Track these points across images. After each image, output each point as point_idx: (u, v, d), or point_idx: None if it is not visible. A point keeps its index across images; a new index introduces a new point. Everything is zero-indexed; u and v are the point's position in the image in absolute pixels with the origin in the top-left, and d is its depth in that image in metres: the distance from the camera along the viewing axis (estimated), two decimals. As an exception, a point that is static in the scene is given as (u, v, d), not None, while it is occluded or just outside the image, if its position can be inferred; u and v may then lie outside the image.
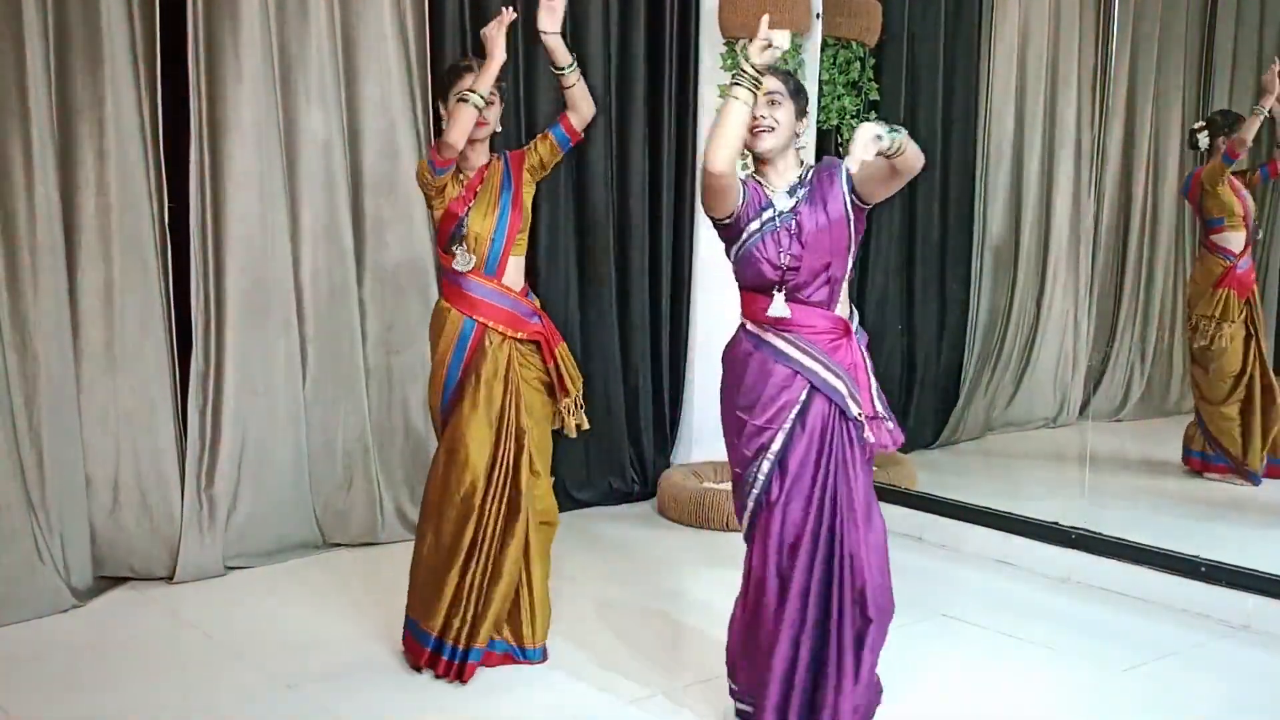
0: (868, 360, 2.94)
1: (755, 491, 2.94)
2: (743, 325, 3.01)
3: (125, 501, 4.11)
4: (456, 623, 3.37)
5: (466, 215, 3.44)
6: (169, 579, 4.13)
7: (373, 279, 4.64)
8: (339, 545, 4.58)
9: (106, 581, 4.08)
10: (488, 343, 3.42)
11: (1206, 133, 5.08)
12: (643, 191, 5.34)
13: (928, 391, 5.86)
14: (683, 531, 4.99)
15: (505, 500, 3.41)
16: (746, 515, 3.01)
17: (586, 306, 5.19)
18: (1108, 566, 4.27)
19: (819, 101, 5.16)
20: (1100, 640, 3.80)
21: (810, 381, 2.88)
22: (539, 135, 3.50)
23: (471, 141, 3.40)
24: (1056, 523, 4.47)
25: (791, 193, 2.96)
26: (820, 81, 5.17)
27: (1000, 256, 5.92)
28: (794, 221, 2.92)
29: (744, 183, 2.96)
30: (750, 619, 3.03)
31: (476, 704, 3.27)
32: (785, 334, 2.92)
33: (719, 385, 3.05)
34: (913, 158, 2.79)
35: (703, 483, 5.30)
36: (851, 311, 3.02)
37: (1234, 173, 5.05)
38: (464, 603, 3.37)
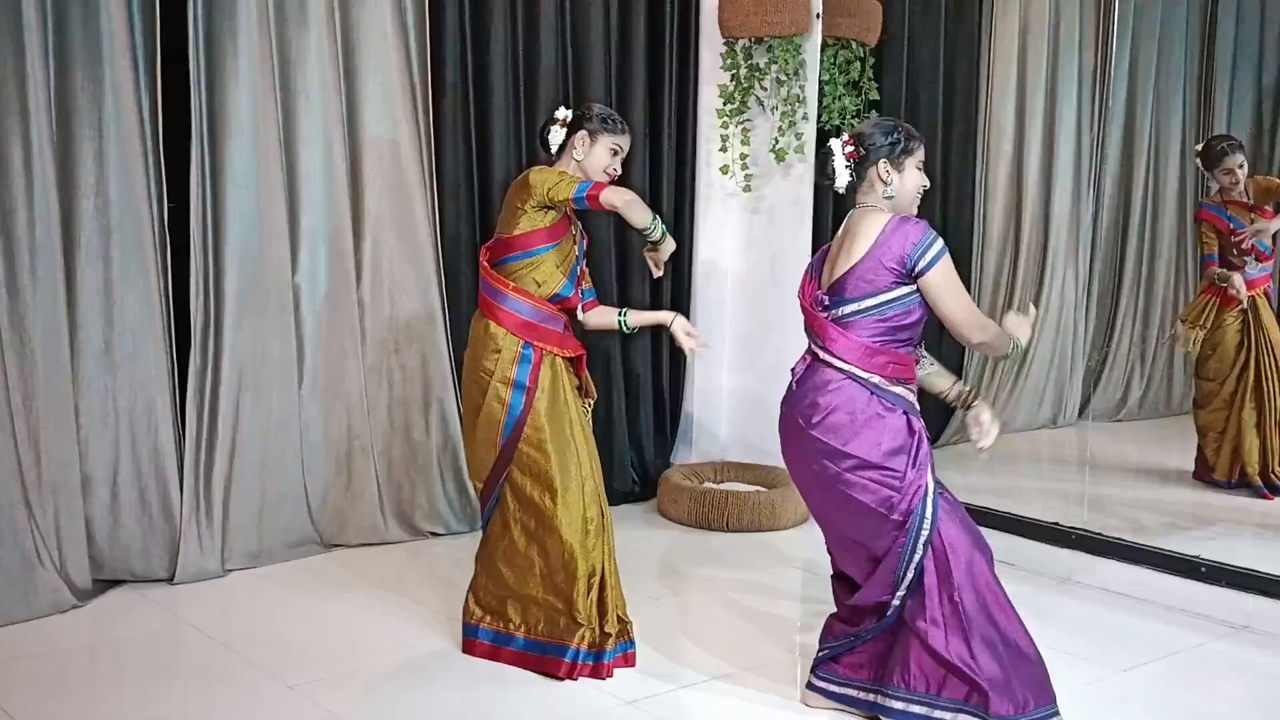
0: None
1: (925, 534, 3.05)
2: (850, 379, 3.03)
3: (125, 502, 4.11)
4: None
5: (550, 249, 3.47)
6: (169, 579, 4.13)
7: (372, 278, 4.63)
8: (339, 546, 4.58)
9: (106, 582, 4.08)
10: (543, 364, 3.49)
11: (1200, 160, 5.05)
12: (643, 191, 5.33)
13: (926, 392, 5.85)
14: (683, 531, 4.99)
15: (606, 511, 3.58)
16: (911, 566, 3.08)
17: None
18: (1108, 566, 4.27)
19: (819, 101, 5.16)
20: (1100, 640, 3.80)
21: (917, 417, 3.11)
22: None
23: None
24: (1056, 523, 4.47)
25: None
26: (820, 81, 5.17)
27: (1000, 257, 5.92)
28: None
29: (920, 223, 3.06)
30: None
31: (476, 704, 3.27)
32: (910, 384, 3.15)
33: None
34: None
35: (703, 483, 5.30)
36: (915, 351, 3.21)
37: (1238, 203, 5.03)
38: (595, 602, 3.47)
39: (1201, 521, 4.88)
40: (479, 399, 3.47)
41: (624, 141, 3.56)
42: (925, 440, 3.03)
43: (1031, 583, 4.36)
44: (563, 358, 3.54)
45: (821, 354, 3.04)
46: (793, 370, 3.14)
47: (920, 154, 3.07)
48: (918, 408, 3.08)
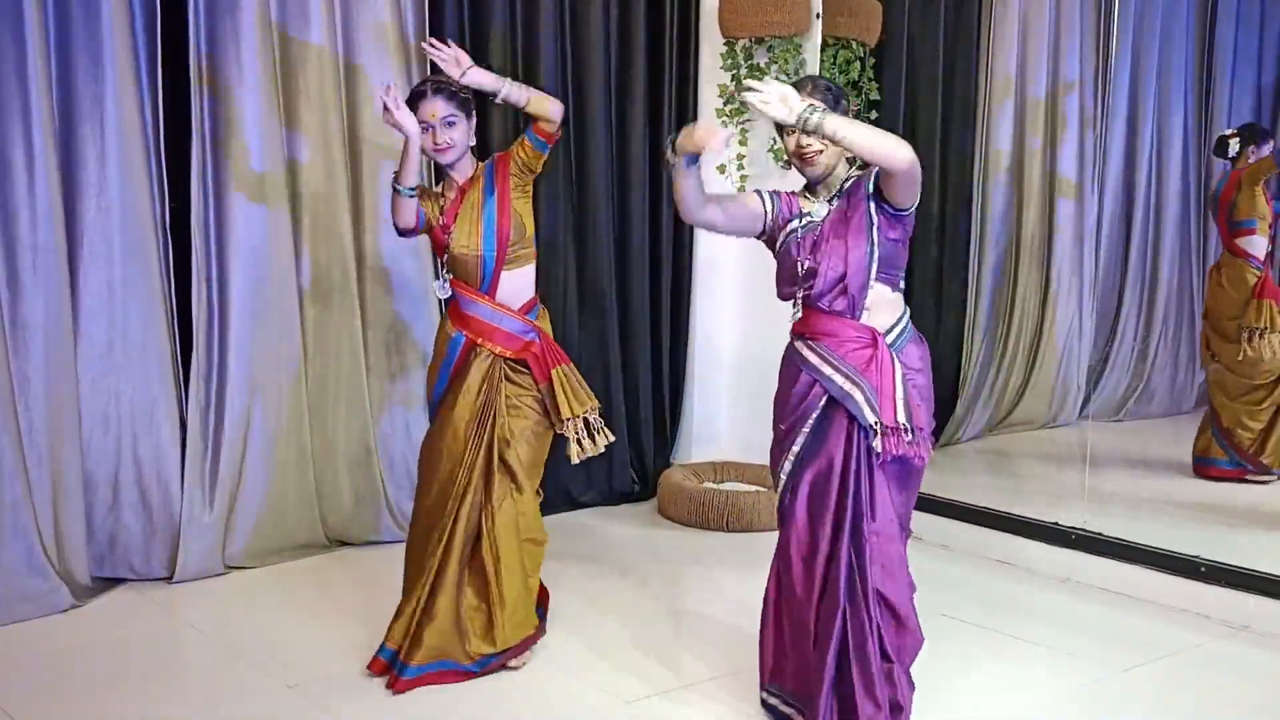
0: (897, 370, 2.91)
1: (780, 489, 3.08)
2: (791, 335, 3.08)
3: (126, 501, 4.12)
4: (400, 633, 3.36)
5: (450, 239, 3.40)
6: (169, 579, 4.13)
7: (373, 278, 4.64)
8: (340, 545, 4.59)
9: (106, 581, 4.09)
10: (473, 357, 3.40)
11: (1238, 140, 5.07)
12: (643, 191, 5.34)
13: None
14: (683, 531, 4.99)
15: (460, 519, 3.35)
16: (776, 511, 3.14)
17: (586, 306, 5.19)
18: (1108, 566, 4.27)
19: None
20: (1100, 640, 3.80)
21: (827, 390, 2.92)
22: (518, 139, 3.44)
23: (455, 166, 3.43)
24: (1056, 523, 4.47)
25: (831, 200, 3.00)
26: (820, 81, 5.16)
27: (1000, 256, 5.92)
28: (817, 229, 2.97)
29: (778, 195, 3.05)
30: (785, 610, 3.08)
31: (475, 703, 3.27)
32: (811, 342, 2.99)
33: None
34: (863, 146, 2.70)
35: (703, 483, 5.30)
36: (901, 318, 2.99)
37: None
38: (410, 615, 3.36)
39: (1201, 521, 4.88)
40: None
41: (426, 110, 3.32)
42: (809, 406, 2.98)
43: (1031, 583, 4.36)
44: (503, 356, 3.41)
45: None
46: None
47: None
48: (818, 368, 2.95)
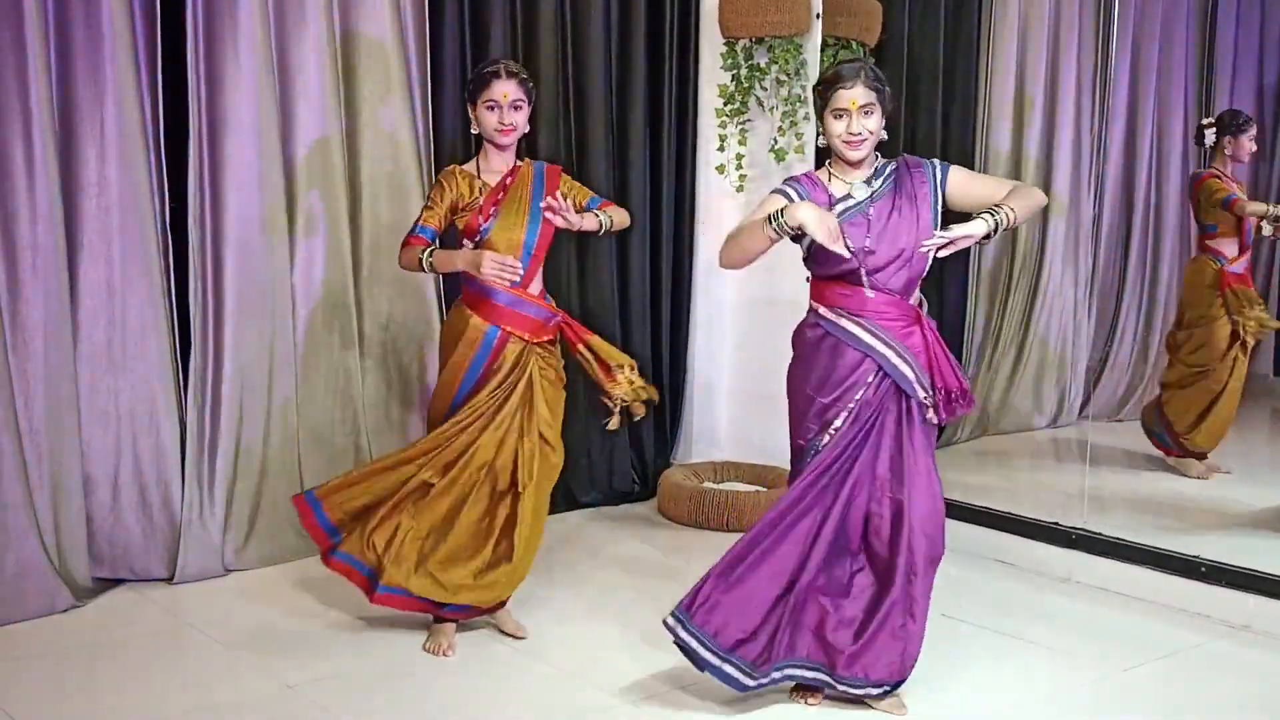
0: (939, 341, 3.16)
1: (811, 458, 3.15)
2: (814, 310, 3.20)
3: (125, 501, 4.11)
4: (380, 546, 3.47)
5: (488, 226, 3.46)
6: (169, 579, 4.13)
7: (370, 278, 4.64)
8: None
9: (106, 581, 4.08)
10: (510, 349, 3.52)
11: (1214, 130, 5.10)
12: (643, 191, 5.33)
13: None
14: (683, 531, 4.99)
15: (493, 483, 3.52)
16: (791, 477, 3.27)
17: (586, 306, 5.19)
18: (1108, 566, 4.27)
19: (819, 102, 5.16)
20: (1100, 640, 3.80)
21: (879, 365, 3.10)
22: (579, 185, 3.68)
23: (497, 147, 3.50)
24: (1056, 523, 4.47)
25: (868, 183, 3.16)
26: (820, 81, 5.17)
27: (998, 256, 5.92)
28: (871, 209, 3.12)
29: (796, 181, 3.19)
30: (749, 542, 3.22)
31: (474, 703, 3.27)
32: (858, 318, 3.12)
33: (789, 365, 3.27)
34: (1029, 213, 3.11)
35: (703, 483, 5.30)
36: (920, 300, 3.22)
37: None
38: (396, 534, 3.48)
39: (1201, 521, 4.88)
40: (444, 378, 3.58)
41: (499, 89, 3.48)
42: (858, 382, 3.14)
43: (1031, 583, 4.36)
44: (534, 342, 3.56)
45: None
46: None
47: (835, 100, 3.11)
48: (870, 345, 3.13)
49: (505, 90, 3.49)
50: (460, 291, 3.64)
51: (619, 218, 3.69)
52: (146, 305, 4.08)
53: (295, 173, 4.41)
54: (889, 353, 3.09)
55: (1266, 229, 5.07)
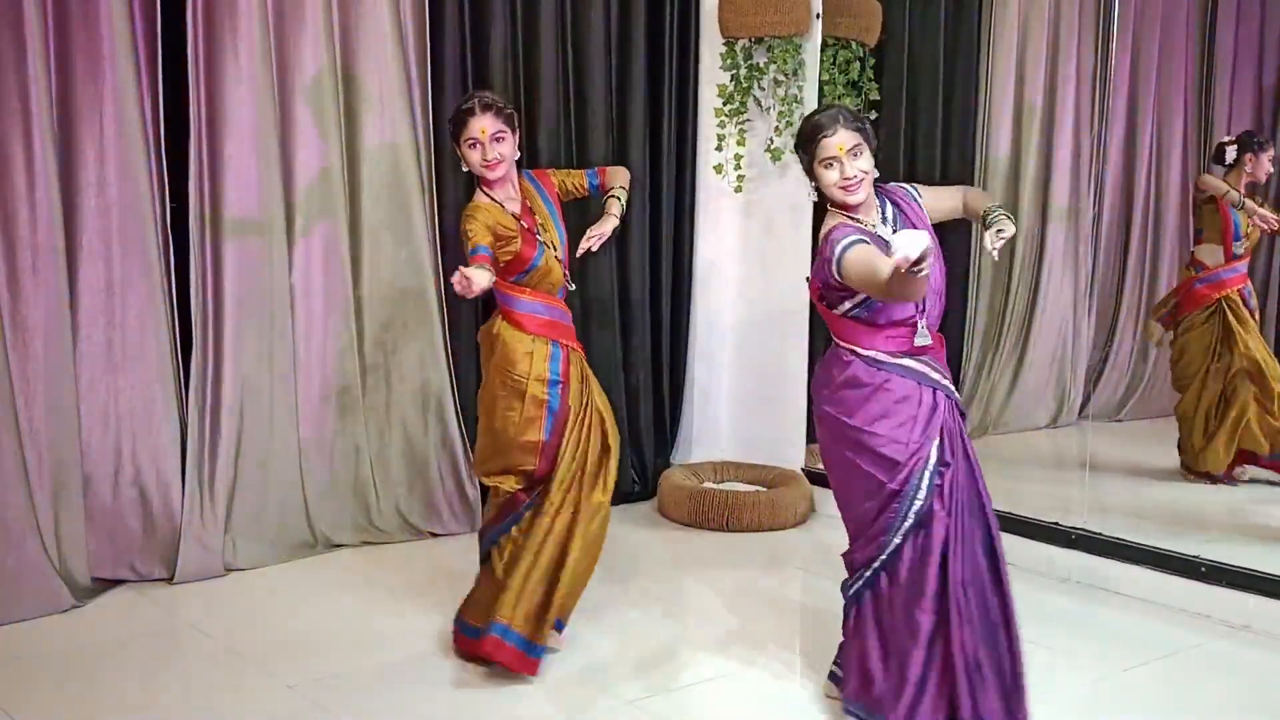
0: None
1: (918, 505, 2.93)
2: (856, 357, 3.01)
3: (125, 501, 4.11)
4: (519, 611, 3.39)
5: (541, 252, 3.45)
6: (169, 579, 4.13)
7: (370, 278, 4.63)
8: (338, 546, 4.58)
9: (106, 582, 4.08)
10: (572, 364, 3.52)
11: (1235, 148, 5.07)
12: (643, 191, 5.34)
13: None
14: (683, 531, 4.99)
15: (564, 510, 3.45)
16: (900, 534, 2.96)
17: (586, 306, 5.19)
18: (1108, 566, 4.27)
19: (819, 102, 5.16)
20: (1100, 640, 3.80)
21: (935, 389, 3.01)
22: (568, 170, 3.61)
23: (500, 182, 3.44)
24: (1057, 523, 4.47)
25: (885, 221, 3.07)
26: (820, 81, 5.17)
27: (998, 257, 5.91)
28: None
29: (845, 227, 2.97)
30: (899, 619, 2.97)
31: (474, 703, 3.27)
32: (920, 357, 3.04)
33: (836, 422, 3.04)
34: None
35: (703, 483, 5.30)
36: None
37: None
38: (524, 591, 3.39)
39: (1201, 521, 4.88)
40: (512, 403, 3.43)
41: (475, 126, 3.36)
42: (938, 413, 3.00)
43: (1031, 583, 4.35)
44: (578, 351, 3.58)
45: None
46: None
47: (821, 151, 2.98)
48: (935, 378, 3.03)
49: (483, 126, 3.36)
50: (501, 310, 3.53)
51: (622, 180, 3.66)
52: (146, 305, 4.08)
53: (295, 173, 4.41)
54: (941, 379, 3.04)
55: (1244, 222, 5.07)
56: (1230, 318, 5.05)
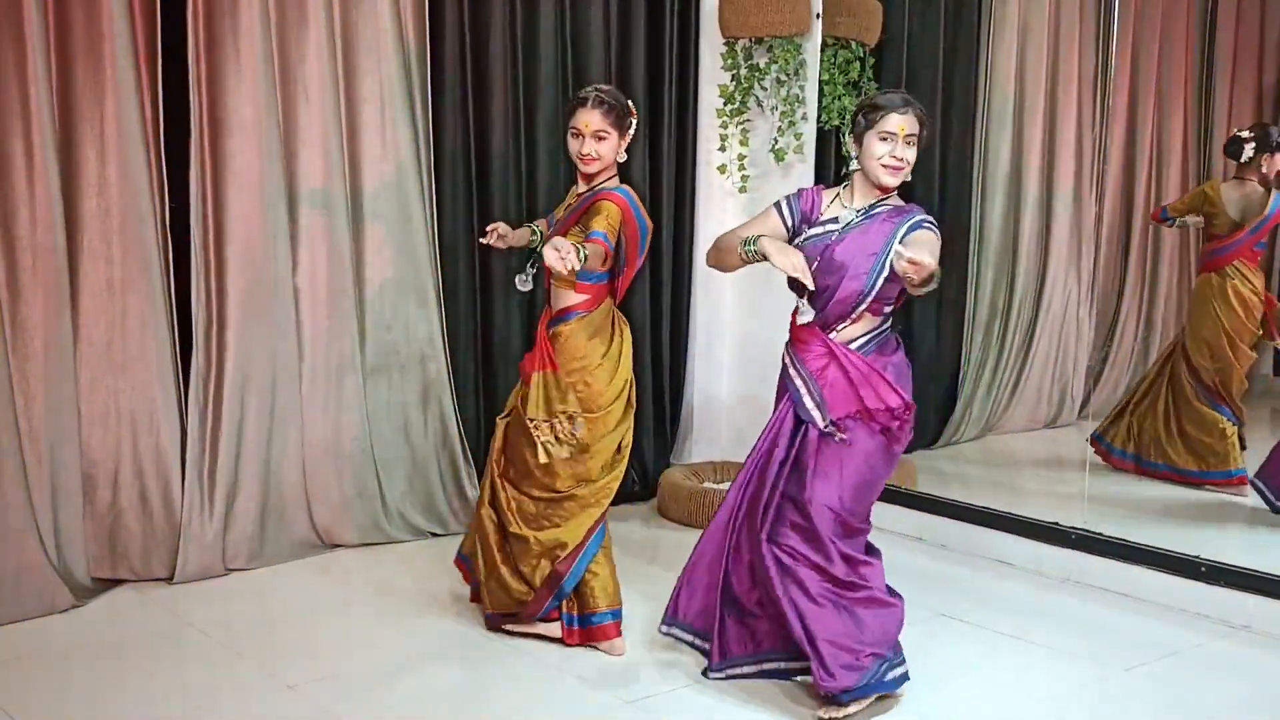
0: (851, 366, 3.16)
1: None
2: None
3: (126, 501, 4.11)
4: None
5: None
6: (169, 579, 4.13)
7: (371, 278, 4.63)
8: (339, 546, 4.58)
9: (106, 581, 4.08)
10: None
11: (1253, 145, 5.03)
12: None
13: (927, 393, 5.85)
14: (683, 531, 4.99)
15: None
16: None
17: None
18: (1108, 566, 4.27)
19: (819, 101, 5.17)
20: (1100, 640, 3.80)
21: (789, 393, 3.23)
22: (599, 218, 3.48)
23: (583, 176, 3.55)
24: (1056, 523, 4.47)
25: (863, 212, 3.19)
26: (820, 81, 5.17)
27: (999, 257, 5.92)
28: (834, 236, 3.17)
29: (796, 196, 3.26)
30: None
31: (474, 703, 3.27)
32: (792, 346, 3.25)
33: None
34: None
35: (703, 483, 5.30)
36: (874, 330, 3.22)
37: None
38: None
39: (1201, 521, 4.88)
40: (621, 407, 3.58)
41: (581, 119, 3.47)
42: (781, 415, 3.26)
43: (1031, 583, 4.36)
44: None
45: None
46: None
47: (885, 124, 3.11)
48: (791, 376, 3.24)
49: (588, 120, 3.45)
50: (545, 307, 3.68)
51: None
52: (146, 305, 4.08)
53: (295, 172, 4.41)
54: (797, 379, 3.21)
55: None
56: None
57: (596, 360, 3.51)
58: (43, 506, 3.83)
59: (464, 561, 3.83)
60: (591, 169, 3.49)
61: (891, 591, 3.27)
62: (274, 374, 4.37)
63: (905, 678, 3.20)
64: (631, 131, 3.54)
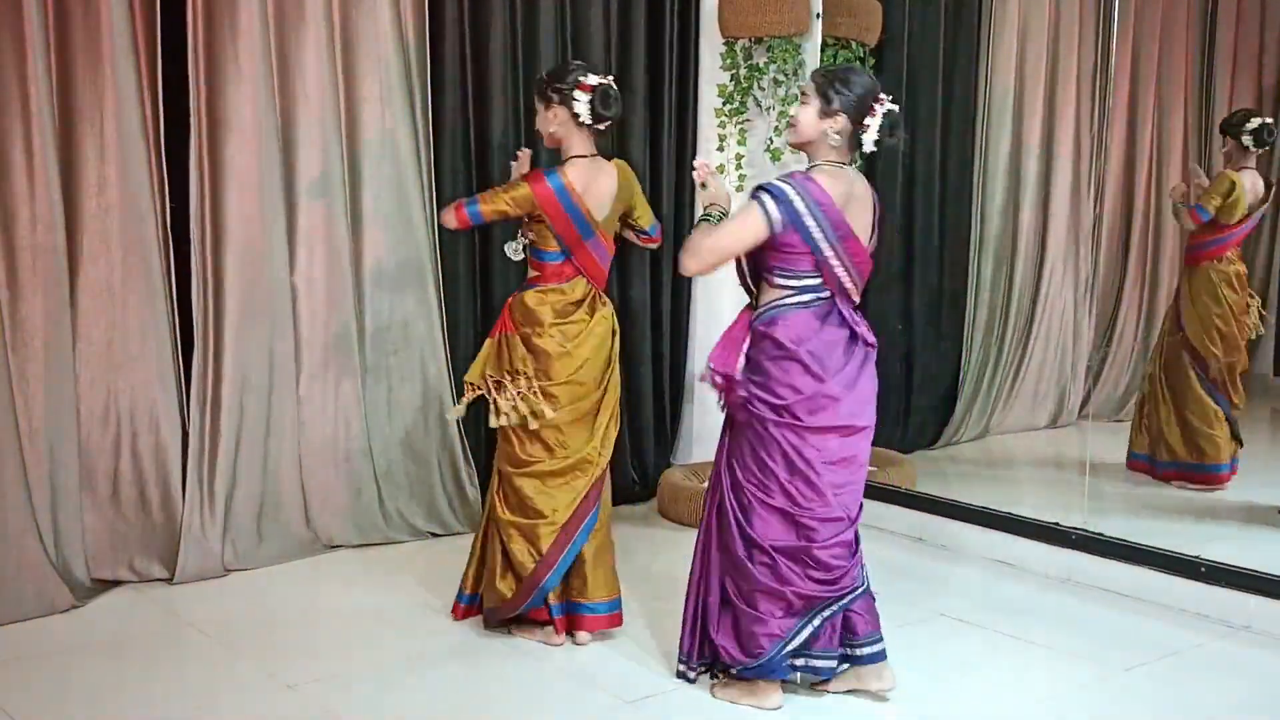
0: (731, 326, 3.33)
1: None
2: None
3: (125, 501, 4.11)
4: None
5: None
6: (169, 579, 4.13)
7: (370, 278, 4.63)
8: (338, 546, 4.58)
9: (106, 582, 4.08)
10: None
11: (1263, 133, 4.99)
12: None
13: (927, 393, 5.86)
14: (683, 531, 4.98)
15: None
16: None
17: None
18: (1108, 566, 4.27)
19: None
20: (1100, 640, 3.80)
21: None
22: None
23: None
24: (1056, 523, 4.47)
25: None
26: (820, 81, 5.16)
27: (999, 257, 5.92)
28: None
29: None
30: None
31: (474, 703, 3.27)
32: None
33: None
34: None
35: (703, 483, 5.29)
36: (777, 299, 3.30)
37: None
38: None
39: (1201, 521, 4.88)
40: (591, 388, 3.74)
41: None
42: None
43: (1031, 583, 4.36)
44: None
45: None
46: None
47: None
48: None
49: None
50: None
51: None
52: (146, 305, 4.08)
53: (295, 172, 4.41)
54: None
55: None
56: None
57: (548, 319, 3.62)
58: (43, 506, 3.83)
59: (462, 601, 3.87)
60: (551, 145, 3.75)
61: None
62: (273, 373, 4.37)
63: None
64: (557, 101, 3.62)
